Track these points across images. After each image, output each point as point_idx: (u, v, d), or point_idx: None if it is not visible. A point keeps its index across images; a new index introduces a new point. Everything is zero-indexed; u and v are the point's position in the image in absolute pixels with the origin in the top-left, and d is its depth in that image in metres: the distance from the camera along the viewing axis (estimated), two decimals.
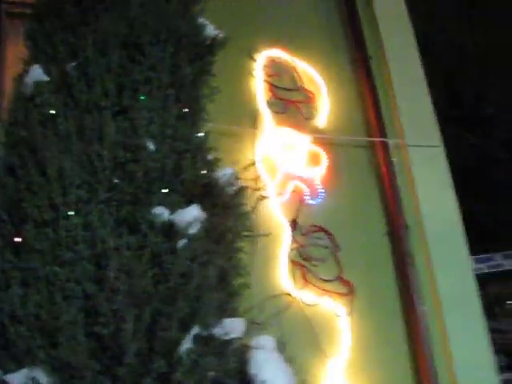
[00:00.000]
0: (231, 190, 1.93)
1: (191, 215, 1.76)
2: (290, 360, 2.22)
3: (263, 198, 2.83)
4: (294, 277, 2.82)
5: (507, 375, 9.39)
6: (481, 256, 9.89)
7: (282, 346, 2.40)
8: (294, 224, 2.86)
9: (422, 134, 3.29)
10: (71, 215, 1.88)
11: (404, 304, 2.98)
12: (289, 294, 2.77)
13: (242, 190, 2.00)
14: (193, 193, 1.84)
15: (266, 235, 2.68)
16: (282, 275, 2.79)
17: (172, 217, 1.78)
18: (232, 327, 1.65)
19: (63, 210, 1.88)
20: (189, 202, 1.81)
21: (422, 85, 3.44)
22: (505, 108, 10.55)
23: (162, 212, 1.79)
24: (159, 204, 1.81)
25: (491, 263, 9.95)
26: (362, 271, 2.97)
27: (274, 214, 2.86)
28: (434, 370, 2.85)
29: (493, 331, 6.43)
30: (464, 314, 3.02)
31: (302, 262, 2.85)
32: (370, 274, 3.00)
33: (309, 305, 2.79)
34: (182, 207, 1.80)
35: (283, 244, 2.83)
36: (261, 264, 2.68)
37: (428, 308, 2.95)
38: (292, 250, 2.84)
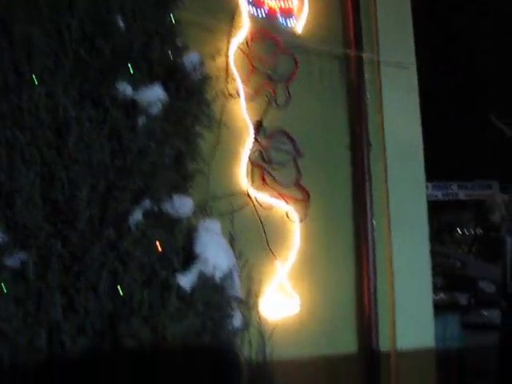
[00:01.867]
0: (196, 76, 1.99)
1: (154, 95, 1.84)
2: (239, 255, 2.41)
3: (231, 94, 2.89)
4: (252, 177, 2.94)
5: (441, 295, 10.11)
6: (438, 183, 10.27)
7: (232, 240, 2.59)
8: (259, 125, 2.94)
9: (398, 52, 3.33)
10: (35, 83, 1.93)
11: (356, 216, 3.17)
12: (246, 193, 2.90)
13: (206, 78, 2.06)
14: (158, 74, 1.90)
15: (227, 128, 2.76)
16: (241, 174, 2.91)
17: (135, 94, 1.85)
18: (180, 204, 1.79)
19: (27, 77, 1.93)
20: (153, 83, 1.88)
21: (406, 4, 3.45)
22: None
23: (125, 89, 1.85)
24: (123, 81, 1.87)
25: (447, 191, 10.36)
26: (320, 180, 3.11)
27: (239, 113, 2.92)
28: (375, 279, 3.10)
29: (439, 254, 6.86)
30: (411, 233, 3.23)
31: (262, 164, 2.96)
32: (328, 184, 3.15)
33: (264, 206, 2.93)
34: (145, 86, 1.86)
35: (246, 144, 2.92)
36: (221, 159, 2.79)
37: (378, 223, 3.16)
38: (254, 151, 2.94)
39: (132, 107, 1.84)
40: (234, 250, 2.29)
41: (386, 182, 3.21)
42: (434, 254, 6.94)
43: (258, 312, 2.80)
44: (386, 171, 3.22)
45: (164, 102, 1.86)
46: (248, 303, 2.54)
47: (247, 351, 2.66)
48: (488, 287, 6.55)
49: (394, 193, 3.20)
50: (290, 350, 2.85)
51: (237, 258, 2.25)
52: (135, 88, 1.86)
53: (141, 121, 1.82)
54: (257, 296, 2.79)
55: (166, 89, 1.88)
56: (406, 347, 3.17)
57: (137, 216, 1.75)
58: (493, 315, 7.36)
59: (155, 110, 1.83)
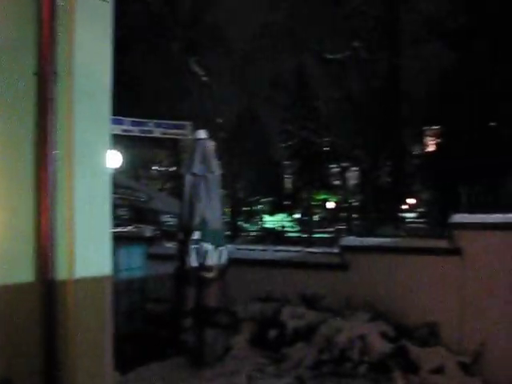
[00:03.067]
0: None
1: None
2: None
3: None
4: None
5: (129, 227, 10.81)
6: (135, 120, 10.81)
7: None
8: None
9: None
10: None
11: (38, 146, 3.15)
12: None
13: None
14: None
15: None
16: None
17: None
18: None
19: None
20: None
21: None
22: None
23: None
24: None
25: (144, 128, 10.98)
26: (1, 107, 2.98)
27: None
28: (54, 209, 3.16)
29: (127, 188, 7.23)
30: (93, 165, 3.36)
31: None
32: (11, 111, 3.04)
33: None
34: None
35: None
36: None
37: (60, 153, 3.19)
38: None
39: None
40: None
41: (71, 113, 3.24)
42: (122, 187, 7.29)
43: None
44: (71, 102, 3.24)
45: None
46: None
47: None
48: (169, 220, 7.24)
49: (79, 125, 3.26)
50: None
51: None
52: None
53: None
54: None
55: None
56: (84, 275, 3.35)
57: None
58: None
59: None
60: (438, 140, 32.45)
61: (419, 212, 35.40)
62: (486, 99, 22.74)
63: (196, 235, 5.81)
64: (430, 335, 6.84)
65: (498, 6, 22.92)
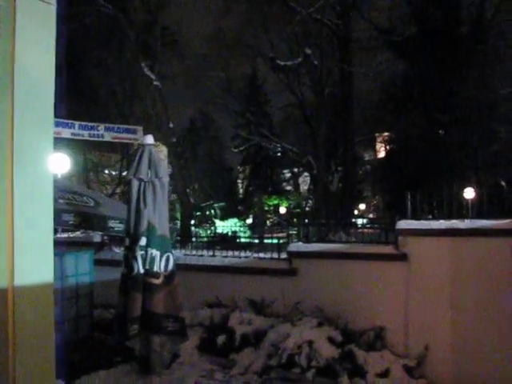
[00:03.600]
0: None
1: None
2: None
3: None
4: None
5: (77, 233, 10.65)
6: (85, 123, 10.69)
7: None
8: None
9: None
10: None
11: None
12: None
13: None
14: None
15: None
16: None
17: None
18: None
19: None
20: None
21: None
22: None
23: None
24: None
25: (94, 132, 10.88)
26: None
27: None
28: None
29: (74, 193, 7.08)
30: (35, 170, 3.31)
31: None
32: None
33: None
34: None
35: None
36: None
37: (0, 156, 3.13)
38: None
39: None
40: None
41: (11, 116, 3.18)
42: (69, 192, 7.14)
43: None
44: (11, 105, 3.18)
45: None
46: None
47: None
48: (118, 226, 7.15)
49: (20, 129, 3.20)
50: None
51: None
52: None
53: None
54: None
55: None
56: (24, 283, 3.28)
57: None
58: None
59: None
60: (389, 146, 33.30)
61: (370, 218, 36.14)
62: (433, 107, 23.50)
63: (143, 241, 5.77)
64: (377, 339, 7.02)
65: (440, 21, 23.84)
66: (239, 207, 45.20)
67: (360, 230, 12.24)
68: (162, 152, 6.43)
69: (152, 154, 5.93)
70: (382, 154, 37.57)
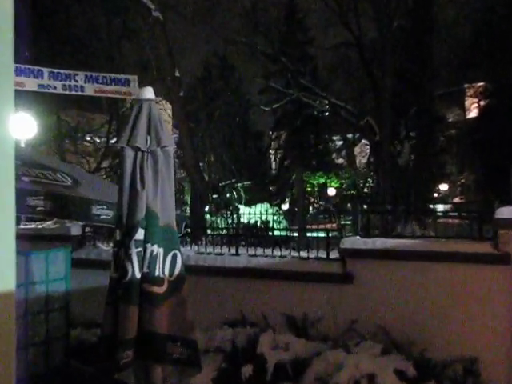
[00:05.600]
0: None
1: None
2: None
3: None
4: None
5: (48, 224, 10.78)
6: (58, 71, 10.76)
7: None
8: None
9: None
10: None
11: None
12: None
13: None
14: None
15: None
16: None
17: None
18: None
19: None
20: None
21: None
22: None
23: None
24: None
25: (70, 83, 10.96)
26: None
27: None
28: None
29: (46, 168, 7.12)
30: None
31: None
32: None
33: None
34: None
35: None
36: None
37: None
38: None
39: None
40: None
41: None
42: (36, 166, 7.19)
43: None
44: None
45: None
46: None
47: None
48: (105, 213, 7.13)
49: None
50: None
51: None
52: None
53: None
54: None
55: None
56: None
57: None
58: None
59: None
60: (484, 102, 32.71)
61: (455, 203, 35.76)
62: None
63: (140, 234, 5.77)
64: (467, 375, 6.92)
65: None
66: (271, 188, 45.28)
67: (441, 220, 12.09)
68: (166, 111, 6.38)
69: (152, 114, 5.89)
70: (473, 114, 37.00)
